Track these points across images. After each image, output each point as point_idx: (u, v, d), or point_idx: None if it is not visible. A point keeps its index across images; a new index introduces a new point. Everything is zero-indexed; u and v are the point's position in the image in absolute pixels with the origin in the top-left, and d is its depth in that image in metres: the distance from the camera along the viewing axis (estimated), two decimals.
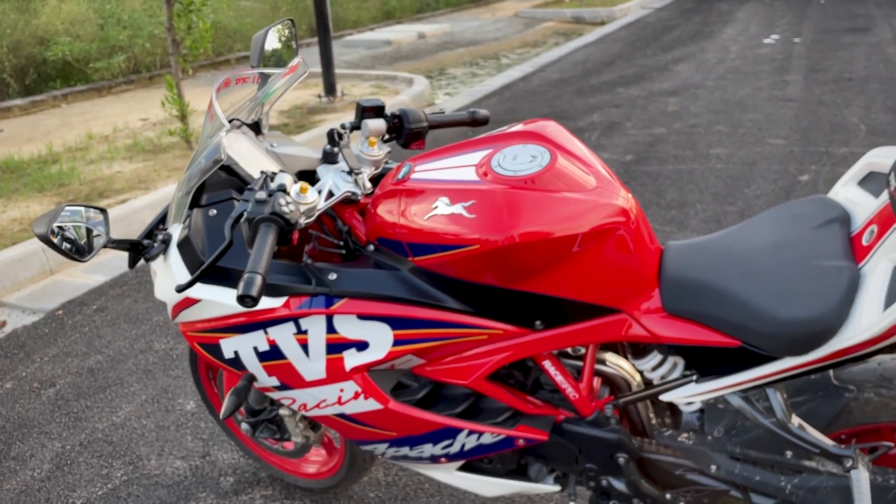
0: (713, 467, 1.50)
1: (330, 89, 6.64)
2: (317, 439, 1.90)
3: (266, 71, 1.65)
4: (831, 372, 1.44)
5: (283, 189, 1.33)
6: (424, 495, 2.08)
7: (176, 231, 1.52)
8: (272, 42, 1.75)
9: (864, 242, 1.29)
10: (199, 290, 1.47)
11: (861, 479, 1.32)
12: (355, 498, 2.09)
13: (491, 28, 12.19)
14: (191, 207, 1.51)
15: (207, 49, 5.34)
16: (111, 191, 4.69)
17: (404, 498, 2.08)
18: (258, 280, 1.17)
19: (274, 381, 1.56)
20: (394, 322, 1.42)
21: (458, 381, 1.47)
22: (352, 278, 1.42)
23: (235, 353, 1.54)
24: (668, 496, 1.57)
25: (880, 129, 5.22)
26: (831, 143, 5.02)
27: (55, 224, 1.38)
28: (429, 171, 1.45)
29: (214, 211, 1.50)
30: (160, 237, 1.53)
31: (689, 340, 1.36)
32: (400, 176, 1.46)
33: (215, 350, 1.57)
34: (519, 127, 1.48)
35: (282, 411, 1.83)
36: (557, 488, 1.68)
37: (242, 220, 1.31)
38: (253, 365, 1.54)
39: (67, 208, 1.42)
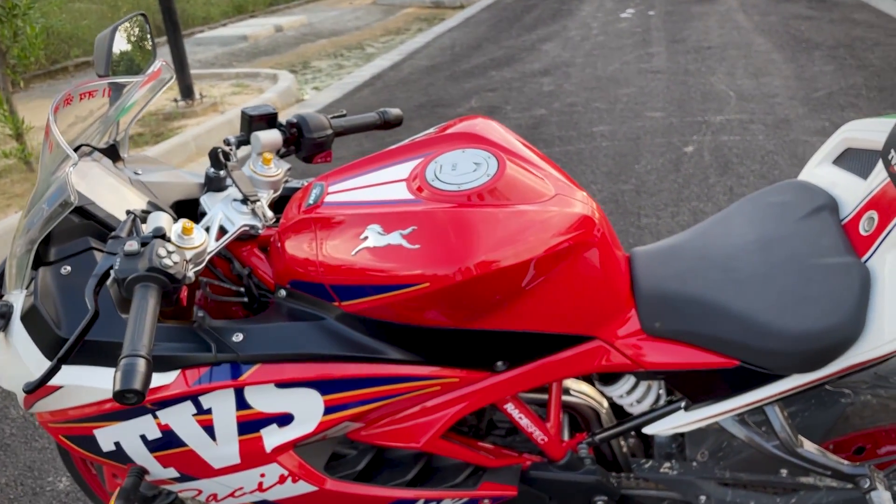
0: (702, 498, 1.32)
1: (187, 92, 6.09)
2: None
3: (119, 80, 1.30)
4: None
5: (160, 234, 1.01)
6: None
7: (17, 300, 1.15)
8: (121, 43, 1.39)
9: (863, 232, 1.12)
10: (61, 375, 1.12)
11: (883, 498, 1.16)
12: None
13: (350, 17, 11.81)
14: (35, 267, 1.15)
15: (39, 57, 4.73)
16: None
17: None
18: (141, 365, 0.86)
19: (172, 473, 1.23)
20: (323, 386, 1.13)
21: (407, 444, 1.20)
22: (263, 337, 1.11)
23: (116, 444, 1.20)
24: None
25: (748, 95, 5.34)
26: (706, 111, 5.08)
27: None
28: (347, 190, 1.16)
29: (69, 268, 1.14)
30: (1, 307, 1.16)
31: (678, 365, 1.16)
32: (311, 200, 1.17)
33: (89, 442, 1.22)
34: (452, 128, 1.22)
35: (182, 495, 1.50)
36: None
37: (109, 281, 0.98)
38: (142, 457, 1.21)
39: None
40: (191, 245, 1.05)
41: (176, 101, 6.20)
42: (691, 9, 9.20)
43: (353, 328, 1.12)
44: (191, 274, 1.02)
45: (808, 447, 1.21)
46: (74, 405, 1.17)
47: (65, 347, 0.98)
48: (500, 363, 1.17)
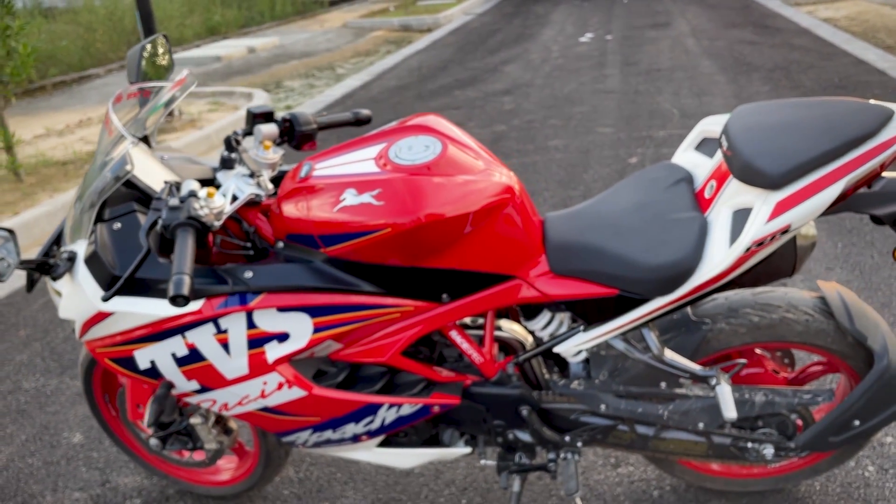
0: (602, 406, 1.71)
1: None
2: (230, 443, 1.94)
3: (154, 85, 1.68)
4: (689, 310, 1.70)
5: (193, 194, 1.39)
6: (338, 483, 2.17)
7: (81, 248, 1.53)
8: (148, 56, 1.77)
9: (707, 196, 1.54)
10: (114, 303, 1.49)
11: (725, 391, 1.57)
12: (270, 498, 2.14)
13: (321, 39, 12.22)
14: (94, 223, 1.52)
15: (31, 75, 5.05)
16: None
17: (319, 490, 2.15)
18: (186, 279, 1.24)
19: (193, 385, 1.60)
20: (312, 311, 1.51)
21: (376, 359, 1.59)
22: (268, 274, 1.50)
23: (152, 362, 1.57)
24: (567, 438, 1.76)
25: (690, 113, 5.83)
26: (651, 127, 5.56)
27: None
28: (330, 167, 1.55)
29: (119, 224, 1.52)
30: (64, 255, 1.53)
31: (574, 295, 1.56)
32: (302, 174, 1.56)
33: (129, 362, 1.59)
34: (408, 122, 1.62)
35: (192, 420, 1.86)
36: (468, 450, 1.83)
37: (158, 226, 1.36)
38: (171, 371, 1.58)
39: None
40: (213, 205, 1.43)
41: None
42: (646, 34, 9.76)
43: (335, 267, 1.51)
44: (216, 223, 1.40)
45: (670, 355, 1.62)
46: (121, 330, 1.53)
47: (127, 272, 1.35)
48: (444, 295, 1.55)
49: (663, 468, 1.96)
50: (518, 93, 7.07)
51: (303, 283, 1.49)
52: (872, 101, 1.42)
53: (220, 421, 1.92)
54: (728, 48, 8.30)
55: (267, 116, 1.71)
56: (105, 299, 1.37)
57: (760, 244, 1.39)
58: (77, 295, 1.52)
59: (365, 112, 1.87)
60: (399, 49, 10.63)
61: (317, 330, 1.52)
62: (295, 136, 1.74)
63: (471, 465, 2.20)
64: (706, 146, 1.66)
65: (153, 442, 1.84)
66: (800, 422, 1.74)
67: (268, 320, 1.51)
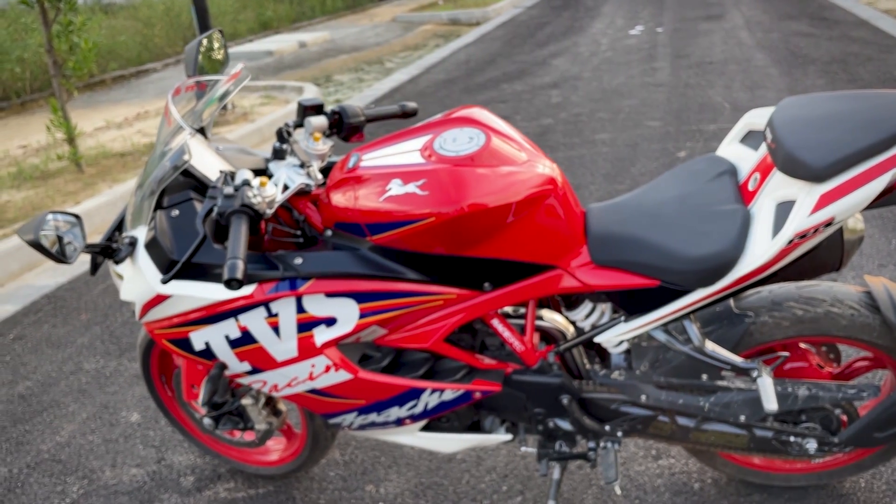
0: (643, 397, 1.73)
1: None
2: (279, 424, 2.01)
3: (211, 78, 1.75)
4: (731, 302, 1.70)
5: (247, 183, 1.45)
6: (382, 467, 2.22)
7: (141, 233, 1.61)
8: (205, 51, 1.85)
9: (750, 188, 1.54)
10: (171, 286, 1.56)
11: (766, 383, 1.58)
12: (317, 479, 2.21)
13: (371, 33, 12.34)
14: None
15: (92, 69, 5.23)
16: (3, 220, 4.52)
17: (363, 472, 2.21)
18: (240, 264, 1.30)
19: (245, 367, 1.67)
20: (359, 296, 1.56)
21: (419, 345, 1.63)
22: (317, 260, 1.55)
23: (206, 343, 1.64)
24: (607, 428, 1.78)
25: (742, 106, 5.74)
26: (701, 121, 5.49)
27: (42, 231, 1.45)
28: (376, 158, 1.60)
29: (177, 212, 1.59)
30: (126, 241, 1.61)
31: (616, 286, 1.58)
32: (350, 165, 1.61)
33: (185, 344, 1.66)
34: (453, 114, 1.66)
35: (244, 401, 1.93)
36: (509, 437, 1.86)
37: (214, 213, 1.43)
38: (224, 353, 1.65)
39: (49, 215, 1.49)
40: (265, 194, 1.49)
41: None
42: (698, 26, 9.61)
43: (380, 255, 1.55)
44: (269, 211, 1.46)
45: (712, 347, 1.63)
46: (177, 312, 1.61)
47: (185, 256, 1.42)
48: (486, 284, 1.59)
49: (705, 461, 1.97)
50: (566, 86, 7.04)
51: (350, 270, 1.54)
52: None
53: (270, 402, 1.99)
54: (783, 40, 8.13)
55: (317, 109, 1.77)
56: (164, 282, 1.45)
57: (803, 237, 1.39)
58: (137, 278, 1.60)
59: (411, 105, 1.91)
60: (447, 43, 10.67)
61: (363, 315, 1.57)
62: (343, 127, 1.80)
63: (511, 453, 2.23)
64: (751, 139, 1.66)
65: (206, 422, 1.92)
66: (844, 417, 1.73)
67: (316, 305, 1.57)
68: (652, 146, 5.03)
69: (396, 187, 1.51)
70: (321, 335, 1.59)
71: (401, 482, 2.16)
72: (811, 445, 1.73)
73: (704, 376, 1.70)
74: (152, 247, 1.57)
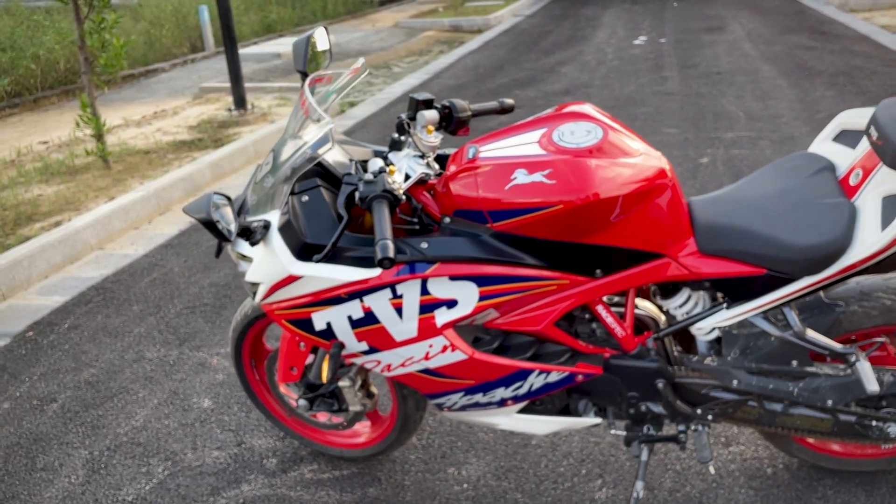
0: (735, 382, 1.82)
1: (240, 102, 6.65)
2: (371, 407, 2.08)
3: (336, 72, 1.84)
4: (821, 293, 1.80)
5: (383, 170, 1.53)
6: (460, 451, 2.30)
7: (274, 217, 1.68)
8: (316, 45, 1.93)
9: (852, 183, 1.65)
10: (303, 267, 1.64)
11: (865, 367, 1.68)
12: (398, 461, 2.28)
13: (374, 38, 12.43)
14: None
15: (123, 66, 5.27)
16: (39, 214, 4.55)
17: (443, 456, 2.29)
18: (390, 244, 1.38)
19: (363, 346, 1.74)
20: (479, 280, 1.65)
21: (531, 328, 1.72)
22: (442, 245, 1.63)
23: (328, 324, 1.72)
24: (698, 411, 1.88)
25: (756, 115, 5.89)
26: (718, 129, 5.63)
27: (212, 210, 1.53)
28: (495, 150, 1.69)
29: (307, 197, 1.67)
30: (260, 224, 1.68)
31: (722, 273, 1.68)
32: (469, 156, 1.69)
33: (306, 324, 1.74)
34: (564, 109, 1.75)
35: (340, 383, 2.00)
36: (599, 420, 1.95)
37: (357, 198, 1.51)
38: (345, 332, 1.72)
39: (214, 196, 1.56)
40: (397, 182, 1.57)
41: (230, 110, 6.76)
42: (701, 37, 9.80)
43: (501, 241, 1.64)
44: (403, 196, 1.54)
45: (812, 334, 1.73)
46: (305, 293, 1.68)
47: (334, 237, 1.51)
48: (598, 271, 1.68)
49: (779, 445, 2.06)
50: (578, 93, 7.17)
51: (473, 255, 1.63)
52: None
53: (364, 385, 2.07)
54: (787, 53, 8.32)
55: (428, 103, 1.85)
56: (318, 261, 1.53)
57: None
58: (269, 259, 1.67)
59: (509, 101, 2.00)
60: (452, 49, 10.79)
61: (482, 298, 1.66)
62: (452, 121, 1.88)
63: (585, 439, 2.32)
64: (845, 137, 1.76)
65: (302, 402, 1.99)
66: None
67: (440, 287, 1.65)
68: (673, 152, 5.15)
69: (522, 176, 1.60)
70: (442, 316, 1.67)
71: (481, 465, 2.24)
72: (893, 429, 1.83)
73: (794, 362, 1.80)
74: (285, 230, 1.65)
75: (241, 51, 11.25)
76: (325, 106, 1.84)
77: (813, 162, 1.75)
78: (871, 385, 1.66)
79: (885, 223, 1.53)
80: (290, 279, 1.66)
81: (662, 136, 5.56)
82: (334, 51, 11.66)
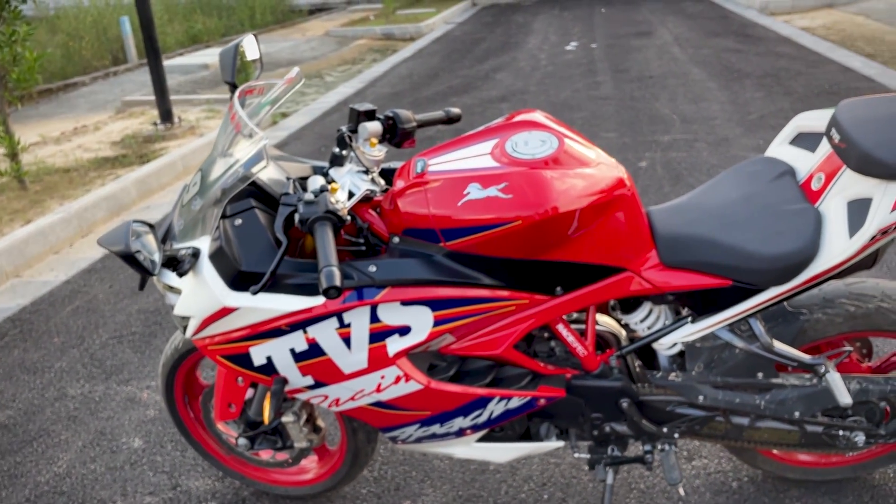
0: (701, 398, 1.74)
1: (166, 116, 6.37)
2: (318, 442, 1.94)
3: (269, 83, 1.69)
4: (784, 302, 1.74)
5: (326, 189, 1.40)
6: (415, 482, 2.17)
7: (204, 244, 1.52)
8: (246, 55, 1.77)
9: (814, 187, 1.59)
10: (238, 299, 1.48)
11: (835, 378, 1.62)
12: (349, 497, 2.14)
13: (305, 48, 12.19)
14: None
15: (38, 81, 4.96)
16: None
17: (396, 488, 2.15)
18: (336, 271, 1.25)
19: (308, 381, 1.60)
20: (434, 304, 1.52)
21: (490, 352, 1.60)
22: (392, 268, 1.50)
23: (268, 358, 1.57)
24: (664, 430, 1.79)
25: (690, 118, 5.95)
26: (654, 132, 5.65)
27: (131, 241, 1.35)
28: (445, 162, 1.57)
29: (240, 220, 1.52)
30: (189, 251, 1.51)
31: (686, 286, 1.60)
32: (418, 170, 1.57)
33: (243, 359, 1.58)
34: (515, 118, 1.64)
35: (284, 419, 1.85)
36: (561, 443, 1.85)
37: (297, 221, 1.37)
38: (287, 367, 1.58)
39: (133, 224, 1.39)
40: (340, 200, 1.44)
41: (156, 124, 6.47)
42: (630, 42, 9.92)
43: (455, 261, 1.52)
44: (348, 217, 1.41)
45: (780, 346, 1.66)
46: (240, 326, 1.53)
47: (272, 265, 1.36)
48: (558, 288, 1.58)
49: (745, 459, 2.00)
50: (514, 99, 7.13)
51: (425, 277, 1.50)
52: None
53: (310, 419, 1.92)
54: (715, 56, 8.47)
55: (369, 114, 1.72)
56: (254, 293, 1.38)
57: (885, 232, 1.44)
58: (200, 290, 1.51)
59: (455, 111, 1.89)
60: (385, 57, 10.66)
61: (437, 323, 1.53)
62: (397, 133, 1.76)
63: (545, 461, 2.22)
64: (803, 140, 1.71)
65: (242, 442, 1.83)
66: (888, 409, 1.79)
67: (391, 314, 1.52)
68: (612, 157, 5.14)
69: (476, 191, 1.48)
70: (394, 345, 1.54)
71: (437, 496, 2.11)
72: (860, 438, 1.78)
73: (760, 374, 1.73)
74: (217, 258, 1.49)
75: (166, 62, 10.85)
76: (256, 119, 1.69)
77: (772, 167, 1.70)
78: (844, 397, 1.61)
79: (853, 229, 1.47)
80: (225, 311, 1.51)
81: (601, 140, 5.55)
82: (264, 61, 11.43)
